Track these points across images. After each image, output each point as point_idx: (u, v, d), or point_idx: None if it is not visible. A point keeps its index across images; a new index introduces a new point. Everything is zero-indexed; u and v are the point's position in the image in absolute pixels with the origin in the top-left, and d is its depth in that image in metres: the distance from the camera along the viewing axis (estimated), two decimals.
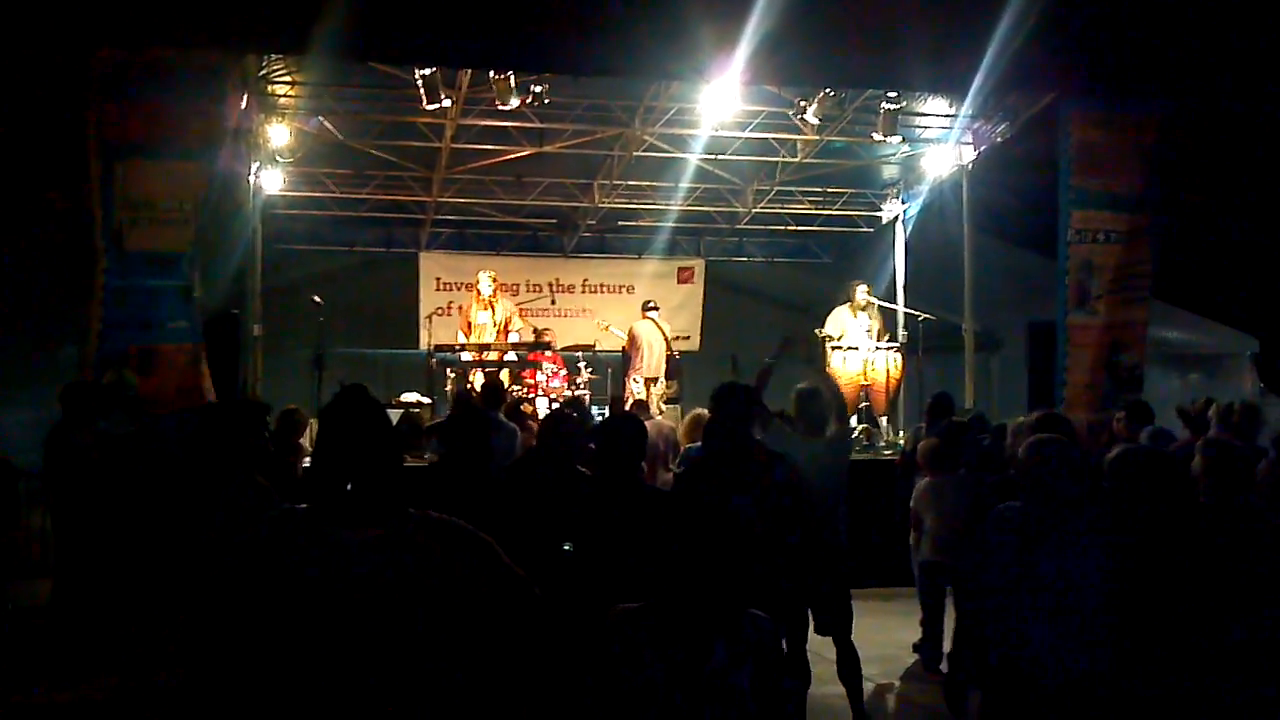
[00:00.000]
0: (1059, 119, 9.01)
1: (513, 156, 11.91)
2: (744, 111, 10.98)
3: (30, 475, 6.74)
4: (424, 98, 9.41)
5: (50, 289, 10.28)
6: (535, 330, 11.96)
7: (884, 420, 11.01)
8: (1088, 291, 8.83)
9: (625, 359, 12.50)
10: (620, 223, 14.96)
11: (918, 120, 11.52)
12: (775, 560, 4.38)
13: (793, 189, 13.91)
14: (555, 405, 10.47)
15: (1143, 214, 8.89)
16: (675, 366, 12.49)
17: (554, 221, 15.02)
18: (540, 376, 11.17)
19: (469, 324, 11.89)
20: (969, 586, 4.70)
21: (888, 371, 10.80)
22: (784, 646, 4.49)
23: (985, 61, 8.04)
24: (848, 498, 5.30)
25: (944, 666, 6.09)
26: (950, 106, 11.16)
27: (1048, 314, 9.36)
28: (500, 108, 9.86)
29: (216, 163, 8.20)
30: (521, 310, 12.55)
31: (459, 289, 14.28)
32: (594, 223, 14.71)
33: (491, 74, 9.41)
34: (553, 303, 13.58)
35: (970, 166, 11.68)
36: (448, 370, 11.24)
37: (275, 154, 11.42)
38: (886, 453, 9.86)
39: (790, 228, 15.09)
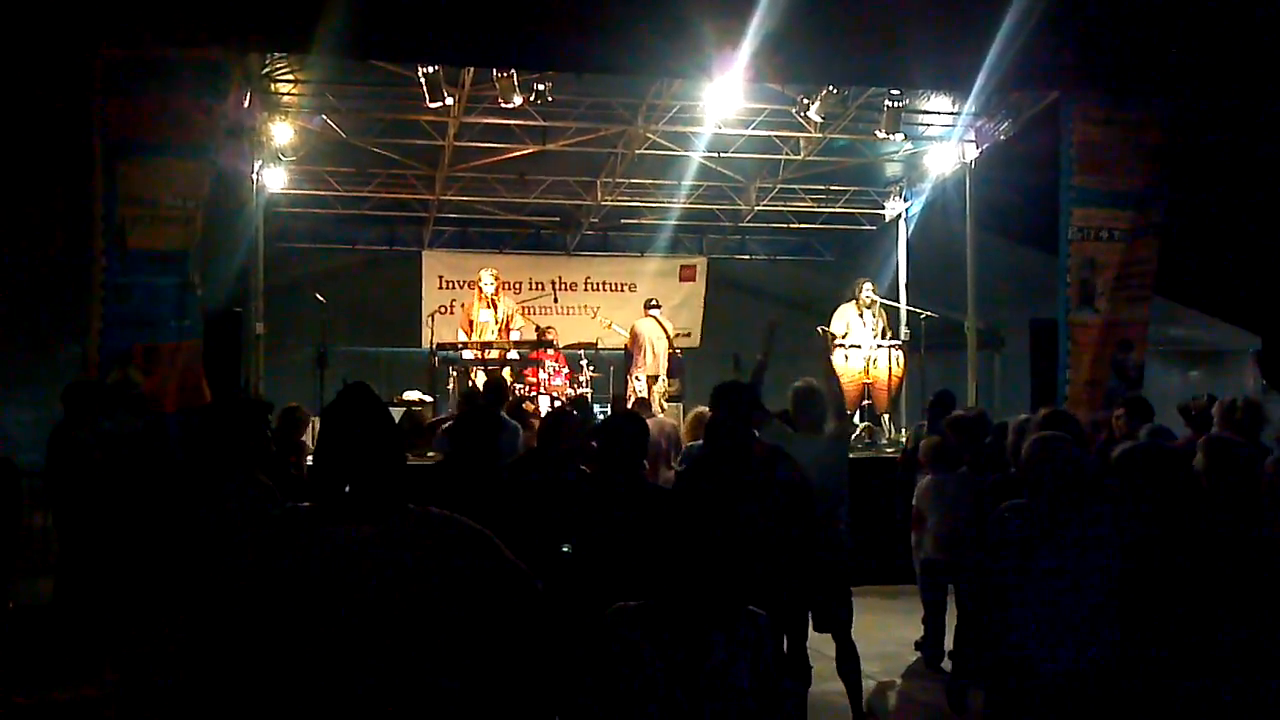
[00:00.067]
0: (1061, 117, 8.99)
1: (515, 154, 11.90)
2: (747, 109, 10.95)
3: (32, 474, 6.73)
4: (427, 96, 9.39)
5: (51, 288, 10.28)
6: (537, 328, 11.94)
7: (886, 418, 11.00)
8: (1091, 289, 8.82)
9: (627, 357, 12.51)
10: (623, 220, 14.97)
11: (921, 118, 11.48)
12: (776, 558, 4.37)
13: (795, 187, 13.87)
14: (557, 403, 10.46)
15: (1145, 212, 8.87)
16: (677, 364, 12.51)
17: (556, 219, 15.00)
18: (542, 375, 11.16)
19: (471, 322, 11.87)
20: (972, 584, 4.71)
21: (890, 369, 10.78)
22: (784, 644, 4.50)
23: (988, 60, 8.06)
24: (850, 495, 5.30)
25: (946, 664, 6.10)
26: (953, 104, 11.12)
27: (1051, 312, 9.33)
28: (503, 106, 9.85)
29: (219, 161, 8.21)
30: (524, 308, 12.54)
31: (461, 287, 14.22)
32: (596, 220, 14.68)
33: (494, 72, 9.39)
34: (555, 301, 13.60)
35: (973, 164, 11.65)
36: (450, 368, 11.24)
37: (278, 152, 11.42)
38: (888, 450, 9.86)
39: (793, 225, 15.07)
